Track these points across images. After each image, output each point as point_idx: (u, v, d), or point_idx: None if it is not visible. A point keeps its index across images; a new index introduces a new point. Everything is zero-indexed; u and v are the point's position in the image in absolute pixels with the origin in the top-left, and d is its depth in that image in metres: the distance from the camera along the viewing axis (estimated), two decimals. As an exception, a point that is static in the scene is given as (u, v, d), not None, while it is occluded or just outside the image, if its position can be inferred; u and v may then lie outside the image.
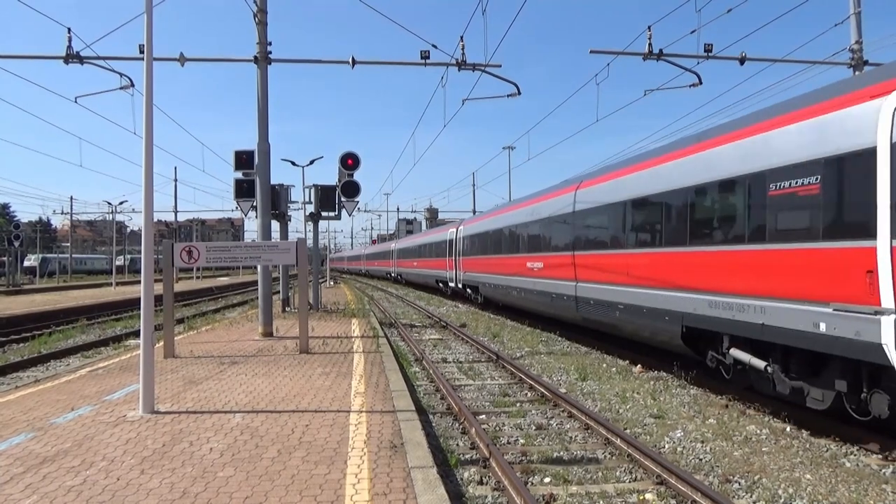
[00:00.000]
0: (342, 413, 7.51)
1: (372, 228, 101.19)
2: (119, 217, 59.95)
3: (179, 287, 37.76)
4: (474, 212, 55.72)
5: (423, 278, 42.04)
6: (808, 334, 7.43)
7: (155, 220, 8.67)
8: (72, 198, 69.17)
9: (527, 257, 19.02)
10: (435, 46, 15.71)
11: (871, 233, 6.65)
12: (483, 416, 8.89)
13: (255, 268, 19.27)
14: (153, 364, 7.62)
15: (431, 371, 11.95)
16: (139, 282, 7.84)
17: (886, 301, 6.44)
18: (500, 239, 22.46)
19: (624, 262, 12.62)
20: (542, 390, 10.17)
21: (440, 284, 35.67)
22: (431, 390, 10.75)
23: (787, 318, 7.79)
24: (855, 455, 7.16)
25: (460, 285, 30.01)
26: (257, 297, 16.37)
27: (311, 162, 28.30)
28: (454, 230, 31.48)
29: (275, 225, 18.09)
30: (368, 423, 7.01)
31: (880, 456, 7.08)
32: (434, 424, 8.43)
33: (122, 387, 9.23)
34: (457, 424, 8.50)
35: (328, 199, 20.76)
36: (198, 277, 63.70)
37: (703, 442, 7.56)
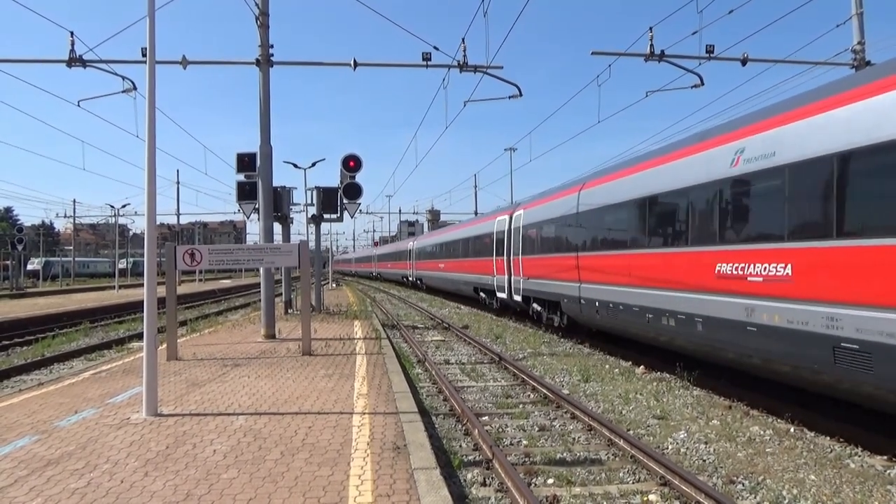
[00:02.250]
0: (345, 415, 7.51)
1: (374, 230, 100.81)
2: (122, 220, 60.03)
3: (182, 290, 37.81)
4: (476, 213, 55.00)
5: (454, 285, 32.09)
6: None
7: (157, 222, 8.68)
8: (74, 201, 69.59)
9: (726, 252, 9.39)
10: (436, 48, 15.77)
11: None
12: (486, 417, 8.89)
13: (258, 270, 19.29)
14: (156, 366, 7.63)
15: (434, 372, 11.95)
16: (142, 285, 7.86)
17: None
18: (624, 222, 12.91)
19: None
20: (545, 391, 10.16)
21: (480, 294, 26.71)
22: (434, 392, 10.75)
23: None
24: (859, 456, 7.14)
25: (518, 297, 20.47)
26: (259, 300, 16.38)
27: (313, 164, 28.39)
28: (505, 218, 22.21)
29: (277, 227, 18.10)
30: (371, 425, 7.01)
31: (885, 457, 7.05)
32: (437, 426, 8.43)
33: (126, 389, 9.25)
34: (459, 426, 8.50)
35: (330, 201, 20.76)
36: (200, 280, 63.81)
37: (706, 443, 7.55)
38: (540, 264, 18.09)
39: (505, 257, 21.83)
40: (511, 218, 21.43)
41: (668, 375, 11.58)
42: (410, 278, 47.83)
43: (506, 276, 21.71)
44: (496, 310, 24.81)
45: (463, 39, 15.80)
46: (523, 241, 19.80)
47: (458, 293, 32.29)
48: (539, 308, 18.91)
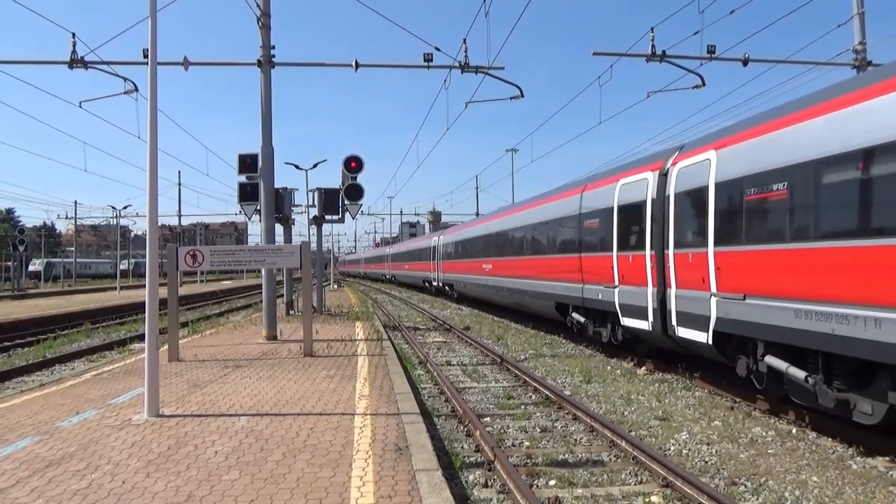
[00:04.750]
0: (347, 416, 7.50)
1: (375, 231, 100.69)
2: (123, 221, 60.15)
3: (183, 291, 37.84)
4: (477, 213, 53.82)
5: (512, 296, 21.26)
6: None
7: (159, 224, 8.69)
8: (76, 202, 69.59)
9: None
10: (438, 49, 15.79)
11: None
12: (487, 418, 8.88)
13: (259, 271, 19.31)
14: (158, 367, 7.63)
15: (436, 374, 11.94)
16: (143, 286, 7.87)
17: None
18: None
19: None
20: (547, 393, 10.15)
21: (572, 316, 15.67)
22: (436, 393, 10.74)
23: None
24: (862, 457, 7.12)
25: (699, 335, 9.88)
26: (261, 301, 16.39)
27: (315, 165, 28.37)
28: (644, 178, 11.99)
29: (278, 228, 18.12)
30: (373, 426, 7.01)
31: (887, 458, 7.04)
32: (439, 427, 8.42)
33: (127, 390, 9.25)
34: (461, 427, 8.49)
35: (332, 203, 20.78)
36: (202, 281, 63.87)
37: (708, 444, 7.54)
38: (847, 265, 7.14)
39: (648, 253, 11.49)
40: (669, 175, 10.89)
41: (669, 376, 11.56)
42: (435, 283, 37.06)
43: (649, 289, 11.44)
44: (608, 345, 14.10)
45: (464, 40, 15.84)
46: (733, 215, 9.16)
47: (521, 310, 21.30)
48: (799, 375, 7.89)
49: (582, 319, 15.23)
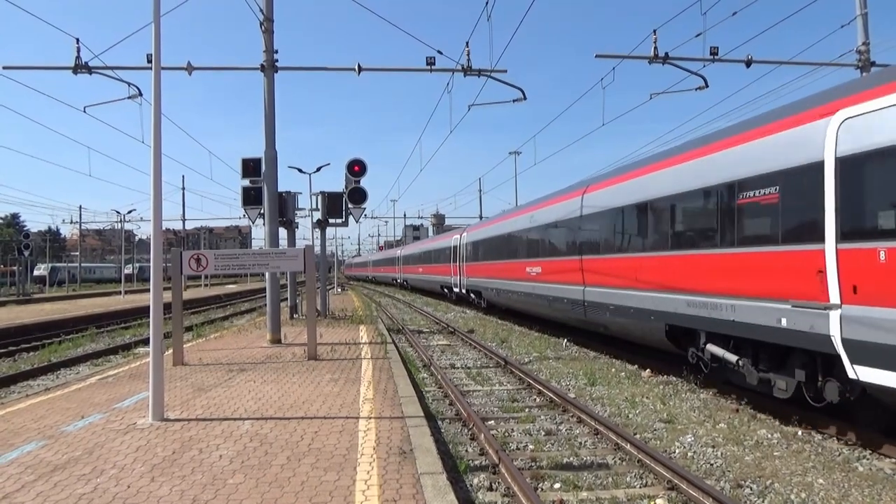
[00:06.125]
0: (351, 419, 7.50)
1: (378, 235, 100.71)
2: (128, 226, 60.28)
3: (188, 295, 37.89)
4: (480, 216, 53.95)
5: (572, 311, 15.66)
6: None
7: (163, 228, 8.72)
8: (81, 207, 69.58)
9: None
10: (440, 52, 15.81)
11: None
12: (492, 421, 8.86)
13: (263, 275, 19.34)
14: (162, 371, 7.64)
15: (440, 377, 11.94)
16: (148, 290, 7.90)
17: None
18: None
19: None
20: (551, 396, 10.14)
21: (696, 346, 10.36)
22: (440, 396, 10.74)
23: None
24: (868, 459, 7.09)
25: None
26: (265, 304, 16.41)
27: (318, 169, 28.46)
28: None
29: (282, 232, 18.18)
30: (377, 430, 7.00)
31: (894, 460, 7.01)
32: (443, 430, 8.41)
33: (132, 394, 9.26)
34: (466, 430, 8.48)
35: (335, 206, 20.84)
36: (206, 285, 64.03)
37: (713, 446, 7.51)
38: None
39: None
40: None
41: (674, 379, 11.53)
42: (457, 289, 31.22)
43: None
44: (793, 403, 8.78)
45: (467, 43, 15.87)
46: None
47: (590, 329, 15.36)
48: None
49: (732, 358, 9.41)
